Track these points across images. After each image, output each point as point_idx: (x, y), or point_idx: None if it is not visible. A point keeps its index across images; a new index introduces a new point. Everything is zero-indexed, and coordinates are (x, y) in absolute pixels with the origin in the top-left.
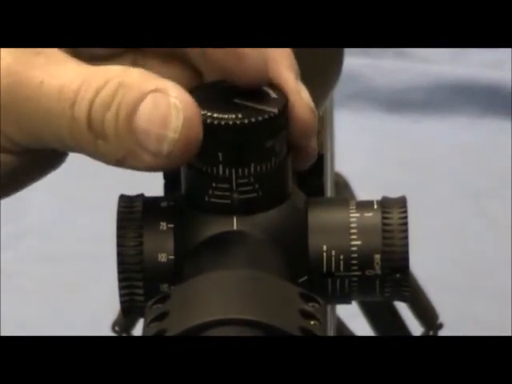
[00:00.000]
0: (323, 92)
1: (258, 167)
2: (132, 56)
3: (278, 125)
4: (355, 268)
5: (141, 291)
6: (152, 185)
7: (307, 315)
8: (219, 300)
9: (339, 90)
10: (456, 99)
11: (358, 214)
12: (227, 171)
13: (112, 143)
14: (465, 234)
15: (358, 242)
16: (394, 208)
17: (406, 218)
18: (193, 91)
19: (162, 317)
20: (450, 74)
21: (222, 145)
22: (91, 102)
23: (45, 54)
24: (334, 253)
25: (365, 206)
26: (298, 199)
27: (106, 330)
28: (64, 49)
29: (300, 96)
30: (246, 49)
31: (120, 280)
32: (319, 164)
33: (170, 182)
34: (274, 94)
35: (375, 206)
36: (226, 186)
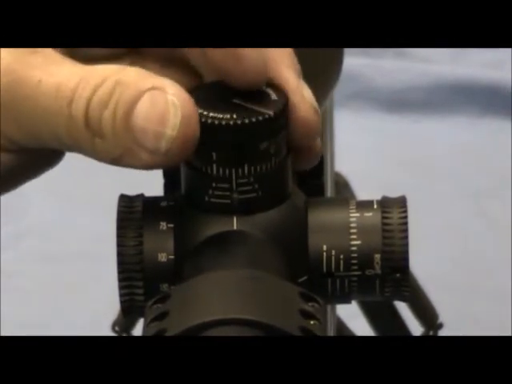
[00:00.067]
0: (323, 92)
1: (258, 167)
2: (130, 59)
3: (275, 126)
4: (355, 268)
5: (141, 291)
6: (152, 185)
7: (307, 315)
8: (219, 300)
9: (339, 90)
10: (456, 99)
11: (357, 214)
12: (227, 171)
13: (109, 141)
14: (465, 234)
15: (358, 242)
16: (393, 208)
17: (406, 217)
18: (192, 91)
19: (161, 317)
20: (450, 74)
21: (221, 144)
22: (88, 100)
23: (42, 53)
24: (333, 252)
25: (365, 205)
26: (297, 199)
27: (106, 330)
28: (60, 50)
29: (302, 96)
30: (245, 49)
31: (120, 280)
32: (319, 164)
33: (170, 181)
34: (274, 95)
35: (375, 206)
36: (225, 185)
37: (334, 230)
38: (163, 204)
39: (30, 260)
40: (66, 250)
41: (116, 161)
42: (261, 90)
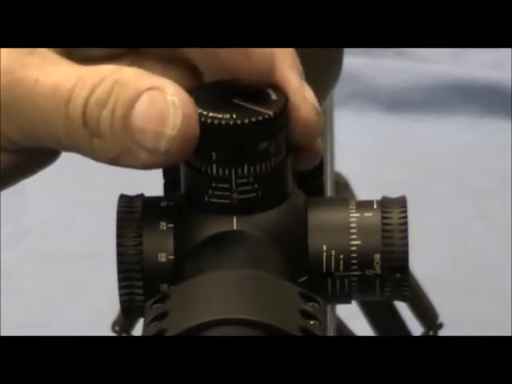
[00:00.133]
0: (323, 92)
1: (258, 167)
2: (130, 58)
3: (275, 126)
4: (355, 268)
5: (140, 291)
6: (152, 185)
7: (307, 315)
8: (219, 300)
9: (339, 90)
10: (456, 99)
11: (357, 214)
12: (227, 171)
13: (107, 141)
14: (465, 234)
15: (358, 242)
16: (393, 208)
17: (405, 217)
18: (192, 91)
19: (161, 317)
20: (450, 73)
21: (221, 145)
22: (86, 100)
23: (40, 54)
24: (333, 253)
25: (365, 205)
26: (297, 199)
27: (106, 330)
28: (58, 51)
29: (304, 96)
30: (255, 48)
31: (120, 280)
32: (319, 164)
33: (170, 181)
34: (274, 95)
35: (375, 206)
36: (225, 185)
37: (334, 230)
38: (163, 204)
39: (30, 260)
40: (66, 249)
41: (114, 161)
42: (261, 90)
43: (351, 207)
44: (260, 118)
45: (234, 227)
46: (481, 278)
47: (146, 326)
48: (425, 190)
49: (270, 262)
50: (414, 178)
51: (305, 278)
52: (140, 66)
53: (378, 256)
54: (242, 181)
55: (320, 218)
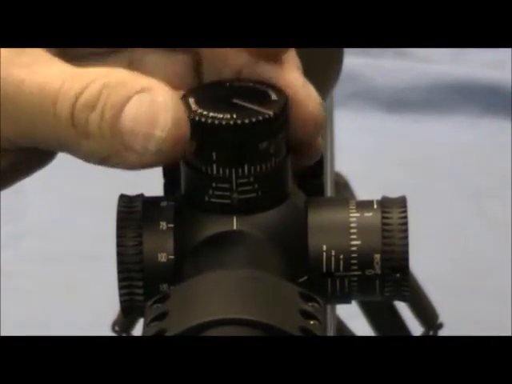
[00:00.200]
0: (323, 92)
1: (258, 167)
2: (129, 53)
3: (275, 126)
4: (355, 268)
5: (140, 291)
6: (152, 185)
7: (307, 315)
8: (219, 300)
9: (339, 90)
10: (456, 99)
11: (357, 214)
12: (227, 171)
13: (96, 142)
14: (465, 234)
15: (358, 242)
16: (393, 208)
17: (405, 217)
18: (192, 91)
19: (161, 317)
20: (450, 73)
21: (221, 144)
22: (74, 101)
23: (29, 53)
24: (333, 252)
25: (365, 205)
26: (297, 199)
27: (106, 330)
28: (52, 50)
29: (309, 93)
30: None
31: (120, 280)
32: (319, 164)
33: (170, 182)
34: (274, 95)
35: (375, 206)
36: (225, 185)
37: (334, 230)
38: (163, 204)
39: (30, 260)
40: (66, 249)
41: (103, 161)
42: (261, 90)
43: (351, 207)
44: (260, 118)
45: (234, 227)
46: (481, 277)
47: (145, 325)
48: (425, 190)
49: (270, 262)
50: (414, 177)
51: (305, 278)
52: (140, 60)
53: (378, 256)
54: (242, 181)
55: (320, 217)
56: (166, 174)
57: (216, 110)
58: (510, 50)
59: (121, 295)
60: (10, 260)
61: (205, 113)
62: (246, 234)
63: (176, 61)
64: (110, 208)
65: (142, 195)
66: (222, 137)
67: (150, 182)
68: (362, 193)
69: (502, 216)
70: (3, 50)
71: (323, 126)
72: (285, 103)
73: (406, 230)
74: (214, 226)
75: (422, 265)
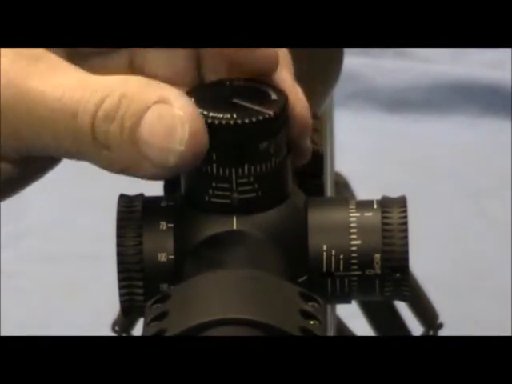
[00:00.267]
0: (323, 91)
1: (258, 167)
2: (131, 50)
3: (275, 126)
4: (355, 268)
5: (140, 291)
6: (152, 185)
7: (307, 315)
8: (219, 300)
9: (339, 90)
10: (456, 99)
11: (357, 214)
12: (227, 171)
13: (116, 153)
14: (465, 234)
15: (358, 242)
16: (393, 208)
17: (405, 217)
18: (192, 91)
19: (161, 316)
20: (450, 73)
21: (221, 144)
22: (94, 113)
23: (45, 61)
24: (333, 252)
25: (365, 205)
26: (297, 199)
27: (105, 330)
28: (62, 51)
29: (297, 95)
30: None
31: (120, 280)
32: (319, 164)
33: (170, 181)
34: (274, 96)
35: (375, 206)
36: (225, 185)
37: (334, 230)
38: (163, 204)
39: (30, 260)
40: (66, 249)
41: (123, 171)
42: (261, 90)
43: (351, 207)
44: (260, 118)
45: (234, 227)
46: (481, 277)
47: (145, 325)
48: (425, 190)
49: (270, 261)
50: (414, 177)
51: (305, 277)
52: (141, 60)
53: (378, 256)
54: (242, 181)
55: (320, 217)
56: None
57: (216, 109)
58: (509, 49)
59: (121, 295)
60: (10, 260)
61: (205, 113)
62: (246, 233)
63: (176, 61)
64: (110, 208)
65: (141, 195)
66: (222, 137)
67: (150, 182)
68: (362, 193)
69: (502, 216)
70: (17, 56)
71: (310, 128)
72: (285, 103)
73: (405, 230)
74: (214, 226)
75: (422, 265)
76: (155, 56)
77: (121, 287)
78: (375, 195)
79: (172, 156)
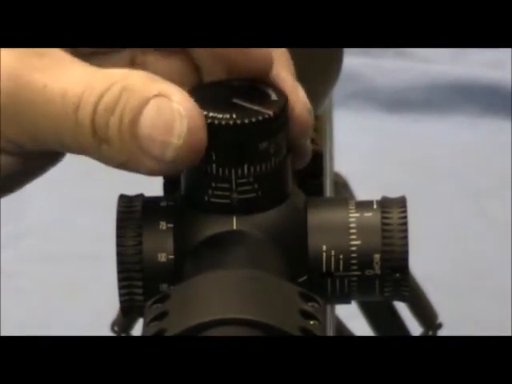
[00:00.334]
0: (323, 91)
1: (258, 167)
2: (131, 50)
3: (275, 126)
4: (355, 268)
5: (140, 291)
6: (152, 185)
7: (307, 315)
8: (219, 300)
9: (339, 90)
10: (456, 99)
11: (357, 214)
12: (227, 171)
13: (115, 147)
14: (465, 234)
15: (358, 242)
16: (393, 208)
17: (405, 217)
18: (192, 91)
19: (161, 316)
20: (450, 73)
21: (221, 144)
22: (95, 107)
23: (49, 55)
24: (333, 253)
25: (364, 205)
26: (297, 199)
27: (105, 330)
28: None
29: (297, 95)
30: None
31: (119, 280)
32: (319, 164)
33: (170, 182)
34: (274, 95)
35: (375, 206)
36: (225, 185)
37: (334, 230)
38: (163, 204)
39: (30, 260)
40: (66, 249)
41: (122, 166)
42: (261, 90)
43: (351, 207)
44: (260, 118)
45: (234, 227)
46: (481, 277)
47: (145, 325)
48: (425, 190)
49: (269, 262)
50: (414, 177)
51: (305, 277)
52: (141, 60)
53: (377, 256)
54: (241, 181)
55: (320, 218)
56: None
57: (216, 109)
58: (509, 50)
59: (121, 295)
60: (9, 260)
61: (205, 113)
62: (246, 233)
63: (176, 60)
64: (110, 208)
65: (141, 195)
66: (222, 137)
67: (150, 182)
68: (362, 193)
69: (502, 216)
70: (21, 51)
71: (310, 128)
72: (285, 103)
73: (405, 230)
74: (213, 226)
75: (422, 265)
76: (154, 57)
77: (120, 287)
78: (375, 195)
79: (170, 150)
